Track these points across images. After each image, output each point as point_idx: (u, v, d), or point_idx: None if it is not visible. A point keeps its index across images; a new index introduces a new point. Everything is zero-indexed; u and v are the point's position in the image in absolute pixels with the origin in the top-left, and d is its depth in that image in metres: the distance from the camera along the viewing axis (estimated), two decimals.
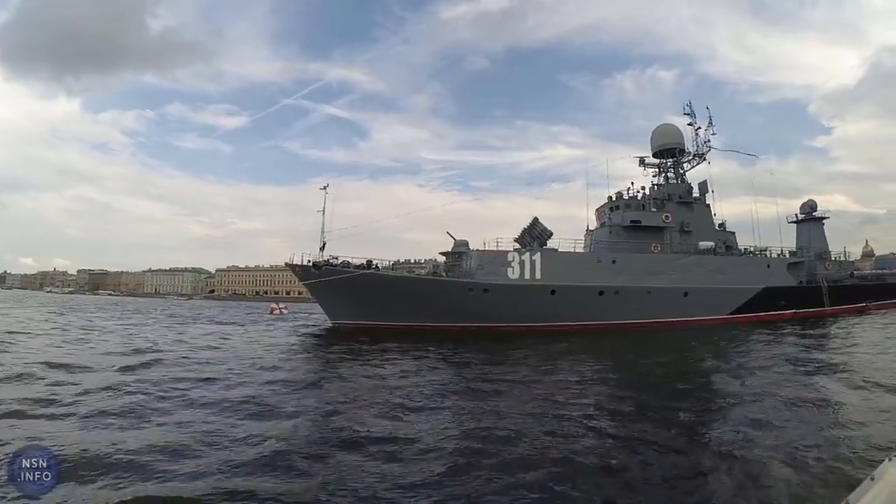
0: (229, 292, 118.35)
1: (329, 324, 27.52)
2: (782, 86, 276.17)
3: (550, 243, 27.00)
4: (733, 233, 30.29)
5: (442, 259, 28.76)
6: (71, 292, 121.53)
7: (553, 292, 25.09)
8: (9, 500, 4.39)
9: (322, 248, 26.79)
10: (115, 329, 24.63)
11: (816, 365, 12.61)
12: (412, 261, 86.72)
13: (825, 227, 33.71)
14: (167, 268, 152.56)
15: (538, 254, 25.73)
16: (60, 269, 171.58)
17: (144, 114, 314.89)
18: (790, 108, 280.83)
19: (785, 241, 33.53)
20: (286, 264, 28.12)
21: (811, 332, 21.41)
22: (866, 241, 39.32)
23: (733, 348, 17.88)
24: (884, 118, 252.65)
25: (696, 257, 27.24)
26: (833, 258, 32.99)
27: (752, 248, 30.05)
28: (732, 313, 27.07)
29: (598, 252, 27.19)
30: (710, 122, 31.52)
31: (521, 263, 25.58)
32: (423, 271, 27.83)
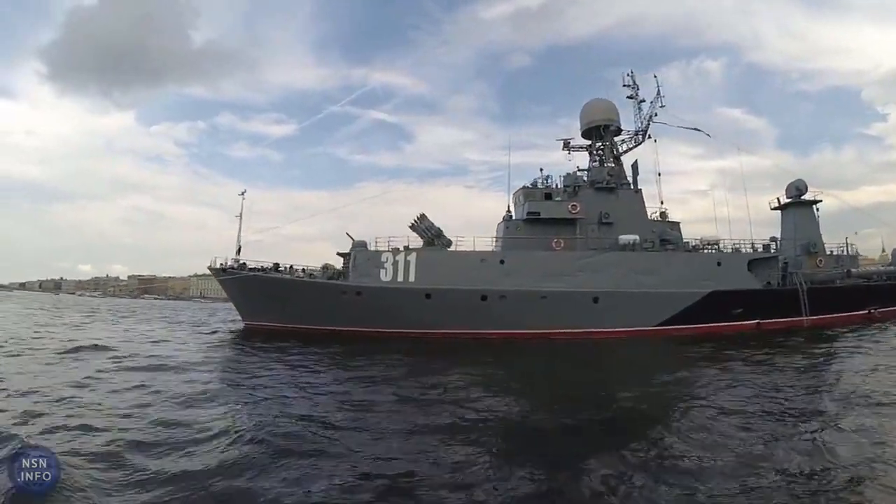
0: None
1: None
2: (832, 72, 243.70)
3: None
4: (676, 223, 24.64)
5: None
6: (98, 295, 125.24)
7: (428, 296, 21.71)
8: None
9: (238, 252, 26.58)
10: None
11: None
12: None
13: (818, 212, 26.46)
14: None
15: (413, 254, 22.47)
16: (113, 275, 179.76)
17: (196, 125, 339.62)
18: (842, 94, 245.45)
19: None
20: (207, 268, 27.75)
21: (759, 356, 14.39)
22: None
23: (610, 377, 13.26)
24: None
25: (613, 254, 22.26)
26: (829, 252, 25.86)
27: (697, 242, 24.17)
28: (664, 324, 21.77)
29: (493, 251, 23.10)
30: (659, 94, 26.03)
31: (395, 264, 22.49)
32: (301, 274, 25.44)
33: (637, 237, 22.51)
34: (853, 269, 24.41)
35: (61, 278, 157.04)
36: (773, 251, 24.14)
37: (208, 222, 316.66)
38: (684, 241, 24.30)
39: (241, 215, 26.72)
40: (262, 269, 25.47)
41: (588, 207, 23.30)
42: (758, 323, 22.41)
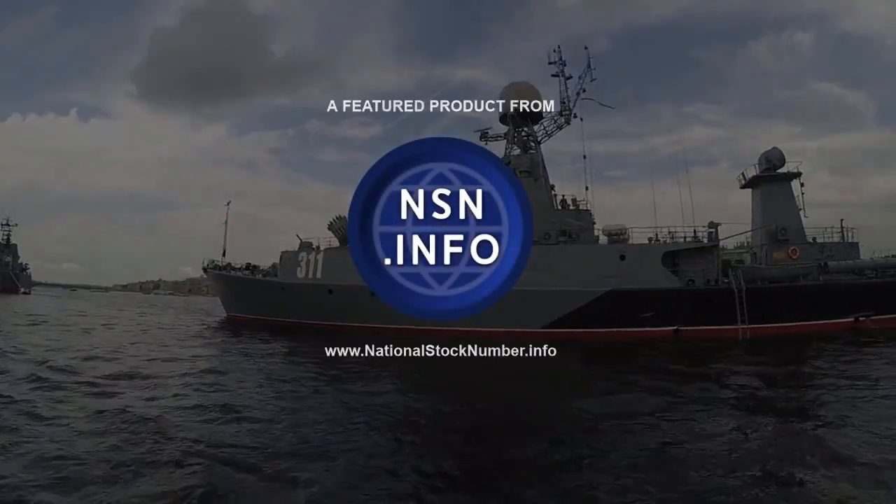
0: None
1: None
2: None
3: None
4: (586, 212, 21.67)
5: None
6: (170, 293, 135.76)
7: (331, 292, 24.11)
8: None
9: (223, 254, 31.92)
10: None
11: None
12: None
13: (802, 189, 19.77)
14: None
15: (321, 254, 25.00)
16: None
17: (286, 132, 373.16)
18: None
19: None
20: (202, 268, 33.84)
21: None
22: None
23: None
24: None
25: None
26: (811, 241, 19.46)
27: (600, 230, 20.95)
28: (551, 326, 19.98)
29: None
30: (589, 66, 23.00)
31: (308, 263, 25.35)
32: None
33: None
34: (833, 263, 18.13)
35: (160, 280, 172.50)
36: (708, 241, 19.66)
37: (303, 223, 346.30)
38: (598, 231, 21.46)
39: (226, 222, 32.12)
40: (228, 268, 30.49)
41: None
42: (676, 330, 18.90)
